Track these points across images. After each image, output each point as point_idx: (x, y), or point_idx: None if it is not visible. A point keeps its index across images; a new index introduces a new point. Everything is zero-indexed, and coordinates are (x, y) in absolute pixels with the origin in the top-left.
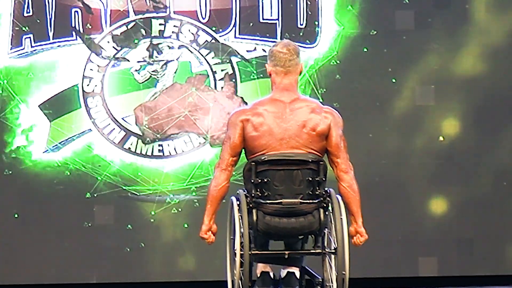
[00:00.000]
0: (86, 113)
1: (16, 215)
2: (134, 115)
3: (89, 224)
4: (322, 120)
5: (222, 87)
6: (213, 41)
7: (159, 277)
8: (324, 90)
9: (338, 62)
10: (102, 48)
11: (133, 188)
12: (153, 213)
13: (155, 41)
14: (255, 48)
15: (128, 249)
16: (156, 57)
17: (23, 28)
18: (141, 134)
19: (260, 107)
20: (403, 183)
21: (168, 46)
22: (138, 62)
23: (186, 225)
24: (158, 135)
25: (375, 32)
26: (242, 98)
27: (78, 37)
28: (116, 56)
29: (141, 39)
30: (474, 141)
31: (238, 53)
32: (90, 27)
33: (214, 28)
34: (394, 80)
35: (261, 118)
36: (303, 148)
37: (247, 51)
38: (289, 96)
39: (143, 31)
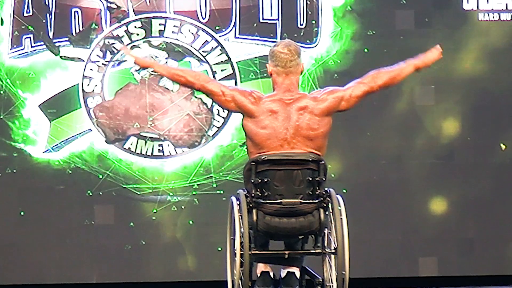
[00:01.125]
0: (86, 113)
1: (22, 212)
2: (94, 115)
3: (89, 224)
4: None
5: (178, 88)
6: (213, 41)
7: (159, 277)
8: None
9: (338, 62)
10: (103, 48)
11: (133, 188)
12: (153, 212)
13: (110, 41)
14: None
15: (128, 249)
16: (111, 57)
17: (23, 28)
18: (103, 134)
19: (266, 106)
20: (403, 183)
21: (168, 46)
22: (94, 62)
23: (191, 222)
24: (119, 136)
25: (375, 32)
26: (200, 99)
27: (45, 44)
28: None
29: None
30: (474, 141)
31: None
32: (96, 27)
33: (217, 27)
34: None
35: (265, 118)
36: (303, 148)
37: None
38: (290, 96)
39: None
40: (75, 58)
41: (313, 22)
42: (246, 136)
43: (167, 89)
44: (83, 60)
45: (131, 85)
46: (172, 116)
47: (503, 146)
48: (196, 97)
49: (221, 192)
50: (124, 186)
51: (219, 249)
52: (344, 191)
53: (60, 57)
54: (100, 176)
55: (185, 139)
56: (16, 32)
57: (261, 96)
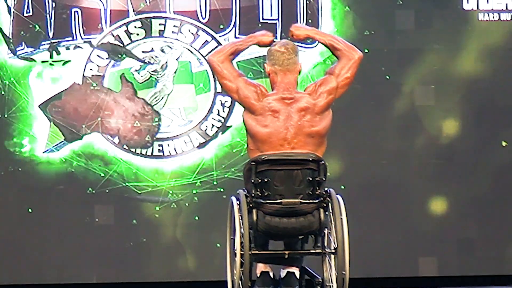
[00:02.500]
0: None
1: (22, 212)
2: (50, 115)
3: (90, 224)
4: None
5: (120, 88)
6: (213, 41)
7: (159, 277)
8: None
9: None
10: (102, 48)
11: (133, 188)
12: (153, 213)
13: (56, 43)
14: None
15: (128, 249)
16: (57, 57)
17: (23, 28)
18: (62, 133)
19: (268, 105)
20: (403, 183)
21: (168, 46)
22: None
23: (197, 218)
24: (75, 135)
25: (374, 32)
26: (143, 99)
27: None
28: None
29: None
30: (474, 141)
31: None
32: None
33: (222, 26)
34: (388, 77)
35: (266, 117)
36: (303, 148)
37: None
38: (289, 95)
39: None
40: (28, 58)
41: (313, 22)
42: (246, 131)
43: (110, 89)
44: (35, 61)
45: (75, 85)
46: (118, 116)
47: (504, 143)
48: (138, 97)
49: (222, 190)
50: (124, 185)
51: (218, 245)
52: (342, 187)
53: (17, 56)
54: (100, 176)
55: (136, 140)
56: (16, 31)
57: (265, 93)
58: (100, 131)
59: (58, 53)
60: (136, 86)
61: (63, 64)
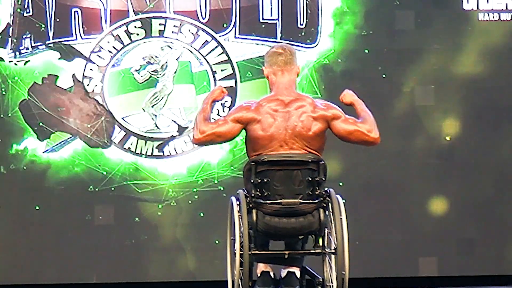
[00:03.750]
0: None
1: (20, 213)
2: (21, 113)
3: (90, 224)
4: (319, 120)
5: (72, 88)
6: (213, 41)
7: (159, 277)
8: (324, 90)
9: (338, 62)
10: (102, 48)
11: (133, 188)
12: (153, 212)
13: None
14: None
15: (128, 249)
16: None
17: (23, 28)
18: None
19: (266, 108)
20: (403, 183)
21: (168, 46)
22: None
23: (202, 214)
24: (48, 134)
25: (374, 32)
26: (95, 99)
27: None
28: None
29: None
30: (474, 141)
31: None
32: (85, 28)
33: (225, 25)
34: (384, 75)
35: (267, 119)
36: (303, 149)
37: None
38: (288, 96)
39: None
40: None
41: (313, 22)
42: (246, 139)
43: (63, 89)
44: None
45: (35, 85)
46: (76, 116)
47: (447, 138)
48: (90, 97)
49: (222, 188)
50: (124, 185)
51: (217, 242)
52: (340, 184)
53: None
54: (101, 176)
55: (95, 140)
56: (16, 31)
57: (255, 101)
58: (63, 130)
59: (20, 53)
60: (136, 86)
61: (164, 64)
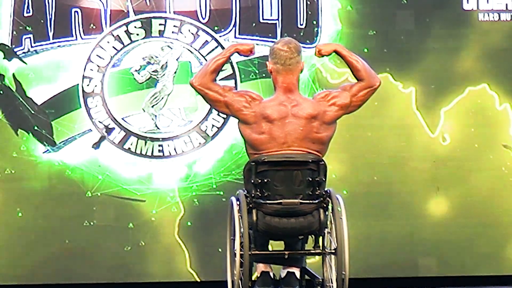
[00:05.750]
0: (86, 113)
1: (20, 214)
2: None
3: (89, 224)
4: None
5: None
6: (213, 41)
7: (159, 277)
8: (324, 90)
9: (338, 62)
10: (102, 48)
11: (133, 188)
12: (153, 213)
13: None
14: None
15: (128, 249)
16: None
17: (23, 28)
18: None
19: (263, 109)
20: (403, 183)
21: (168, 46)
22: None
23: (189, 223)
24: (47, 136)
25: (375, 32)
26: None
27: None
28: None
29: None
30: (474, 141)
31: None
32: (93, 27)
33: (216, 28)
34: (384, 75)
35: (264, 122)
36: (303, 149)
37: None
38: (291, 97)
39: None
40: None
41: (313, 22)
42: (243, 138)
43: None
44: (26, 63)
45: (32, 86)
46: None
47: (447, 138)
48: (27, 97)
49: (221, 193)
50: (124, 186)
51: (220, 250)
52: (345, 192)
53: None
54: (100, 177)
55: (94, 140)
56: (16, 31)
57: (256, 98)
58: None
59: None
60: (136, 86)
61: (164, 64)
